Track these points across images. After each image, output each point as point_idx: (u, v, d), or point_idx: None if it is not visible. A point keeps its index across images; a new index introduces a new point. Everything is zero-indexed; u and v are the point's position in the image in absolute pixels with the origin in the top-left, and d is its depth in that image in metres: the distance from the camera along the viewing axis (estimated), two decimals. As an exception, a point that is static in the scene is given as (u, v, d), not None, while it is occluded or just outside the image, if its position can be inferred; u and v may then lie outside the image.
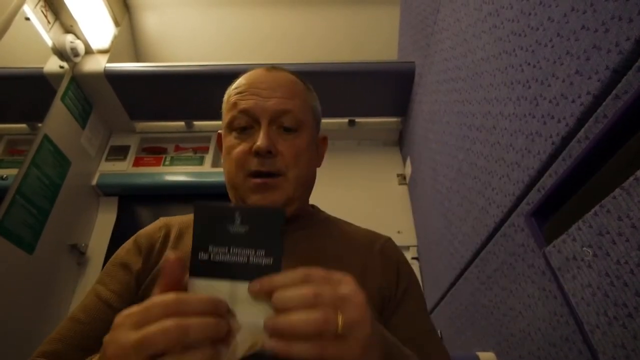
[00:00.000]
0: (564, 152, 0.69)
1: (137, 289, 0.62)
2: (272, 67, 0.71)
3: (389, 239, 0.73)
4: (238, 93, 0.66)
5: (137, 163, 2.04)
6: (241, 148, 0.64)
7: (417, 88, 1.78)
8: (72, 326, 0.59)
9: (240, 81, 0.69)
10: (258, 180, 0.63)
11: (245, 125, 0.65)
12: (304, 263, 0.62)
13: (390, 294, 0.65)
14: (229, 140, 0.66)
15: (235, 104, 0.65)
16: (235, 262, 0.38)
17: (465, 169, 1.15)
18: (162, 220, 0.71)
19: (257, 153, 0.62)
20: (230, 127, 0.66)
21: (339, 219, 0.77)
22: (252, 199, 0.63)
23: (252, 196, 0.63)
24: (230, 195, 0.69)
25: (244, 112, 0.64)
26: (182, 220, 0.70)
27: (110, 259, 0.67)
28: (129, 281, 0.62)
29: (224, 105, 0.70)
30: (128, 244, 0.67)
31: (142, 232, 0.68)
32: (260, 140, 0.61)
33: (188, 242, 0.65)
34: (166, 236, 0.66)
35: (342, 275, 0.40)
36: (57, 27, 1.70)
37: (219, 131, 0.73)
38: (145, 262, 0.63)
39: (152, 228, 0.69)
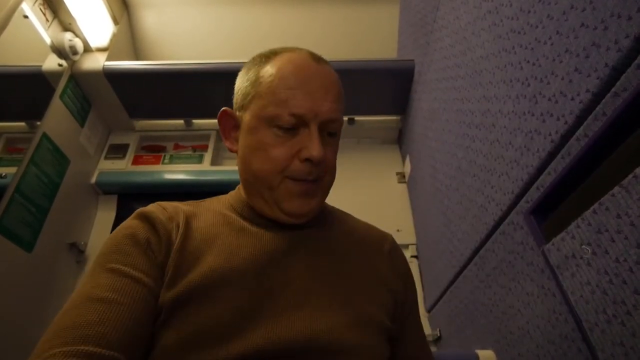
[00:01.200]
0: (563, 149, 0.69)
1: (161, 279, 0.56)
2: (316, 56, 0.64)
3: (393, 240, 0.75)
4: (288, 87, 0.59)
5: (136, 161, 2.04)
6: (285, 150, 0.59)
7: (417, 86, 1.78)
8: (111, 308, 0.49)
9: (284, 69, 0.61)
10: (304, 187, 0.60)
11: (291, 126, 0.59)
12: (315, 261, 0.63)
13: (398, 302, 0.67)
14: (266, 135, 0.60)
15: (285, 103, 0.58)
16: None
17: (464, 166, 1.15)
18: (166, 210, 0.63)
19: (309, 161, 0.59)
20: (270, 121, 0.59)
21: (342, 212, 0.77)
22: (292, 204, 0.61)
23: (292, 200, 0.61)
24: (255, 193, 0.63)
25: (296, 115, 0.58)
26: (182, 208, 0.64)
27: (123, 239, 0.57)
28: (155, 265, 0.56)
29: (256, 89, 0.61)
30: (143, 225, 0.59)
31: (154, 216, 0.60)
32: (316, 150, 0.58)
33: (194, 232, 0.60)
34: (177, 227, 0.60)
35: None
36: (55, 25, 1.69)
37: (225, 108, 0.66)
38: (165, 255, 0.57)
39: (164, 217, 0.61)
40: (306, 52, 0.64)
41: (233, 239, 0.61)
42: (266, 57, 0.64)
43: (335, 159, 0.65)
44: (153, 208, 0.63)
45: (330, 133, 0.63)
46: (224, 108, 0.67)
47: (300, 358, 0.54)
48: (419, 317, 0.73)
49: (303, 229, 0.65)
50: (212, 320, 0.53)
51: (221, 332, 0.53)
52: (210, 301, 0.54)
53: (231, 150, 0.67)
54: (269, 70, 0.61)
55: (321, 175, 0.62)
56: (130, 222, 0.61)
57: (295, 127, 0.59)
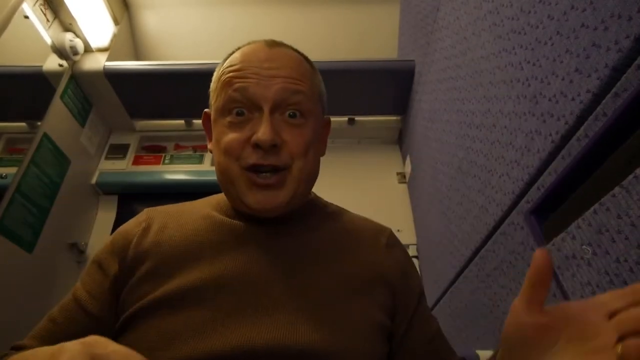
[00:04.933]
0: (563, 150, 0.69)
1: (115, 291, 0.57)
2: (273, 41, 0.60)
3: (391, 234, 0.69)
4: (234, 71, 0.56)
5: (136, 161, 2.04)
6: (235, 137, 0.55)
7: (417, 86, 1.78)
8: (47, 326, 0.56)
9: (235, 56, 0.59)
10: (260, 181, 0.55)
11: (242, 110, 0.55)
12: (311, 256, 0.59)
13: (400, 298, 0.62)
14: (221, 126, 0.57)
15: (229, 83, 0.56)
16: None
17: (465, 167, 1.15)
18: (145, 213, 0.64)
19: (258, 146, 0.54)
20: (222, 110, 0.57)
21: (337, 207, 0.72)
22: (251, 199, 0.56)
23: (251, 196, 0.56)
24: (224, 189, 0.61)
25: (242, 92, 0.55)
26: (167, 210, 0.64)
27: (92, 258, 0.62)
28: (103, 283, 0.57)
29: (214, 85, 0.60)
30: (106, 243, 0.62)
31: (121, 228, 0.63)
32: (263, 132, 0.53)
33: (172, 232, 0.59)
34: (146, 229, 0.60)
35: None
36: (56, 26, 1.69)
37: (206, 110, 0.64)
38: (121, 263, 0.58)
39: (133, 223, 0.63)
40: (263, 40, 0.60)
41: (215, 237, 0.59)
42: (228, 54, 0.63)
43: (306, 145, 0.57)
44: (133, 218, 0.64)
45: (291, 115, 0.57)
46: (205, 110, 0.65)
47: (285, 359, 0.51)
48: (427, 309, 0.66)
49: (287, 223, 0.61)
50: (190, 320, 0.52)
51: (199, 331, 0.51)
52: (188, 302, 0.53)
53: (210, 151, 0.64)
54: (223, 65, 0.60)
55: (286, 162, 0.56)
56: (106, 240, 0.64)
57: (247, 110, 0.56)
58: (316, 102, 0.61)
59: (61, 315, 0.57)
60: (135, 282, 0.56)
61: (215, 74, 0.62)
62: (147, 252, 0.58)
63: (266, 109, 0.55)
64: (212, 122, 0.62)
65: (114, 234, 0.63)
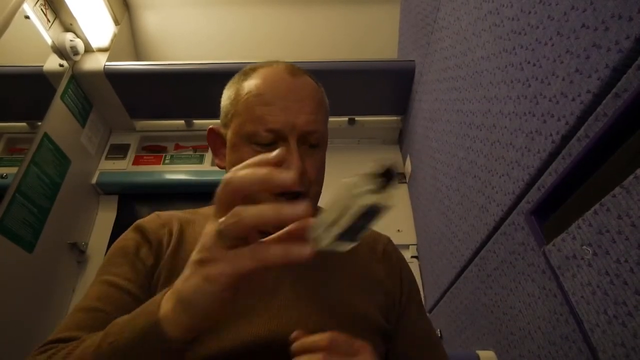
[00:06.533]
0: (564, 150, 0.69)
1: (149, 284, 0.59)
2: (293, 69, 0.64)
3: (389, 241, 0.75)
4: (263, 104, 0.60)
5: (137, 161, 2.04)
6: None
7: (417, 86, 1.78)
8: (92, 315, 0.54)
9: (258, 83, 0.62)
10: (287, 202, 0.61)
11: (269, 142, 0.60)
12: (315, 263, 0.63)
13: (394, 298, 0.68)
14: (246, 152, 0.60)
15: (261, 119, 0.59)
16: None
17: (465, 167, 1.15)
18: (160, 217, 0.67)
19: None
20: (248, 138, 0.60)
21: None
22: None
23: None
24: None
25: (272, 130, 0.59)
26: (178, 216, 0.68)
27: (115, 251, 0.63)
28: (142, 272, 0.59)
29: (232, 107, 0.64)
30: (134, 236, 0.64)
31: (146, 225, 0.65)
32: (295, 165, 0.57)
33: (189, 238, 0.64)
34: (169, 234, 0.64)
35: (361, 345, 0.48)
36: (56, 26, 1.70)
37: (212, 127, 0.68)
38: (156, 259, 0.61)
39: (155, 224, 0.65)
40: (283, 66, 0.64)
41: None
42: (244, 74, 0.65)
43: (319, 170, 0.64)
44: (147, 218, 0.67)
45: (311, 145, 0.62)
46: (210, 127, 0.69)
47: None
48: (421, 312, 0.71)
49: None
50: None
51: (215, 330, 0.55)
52: None
53: (219, 167, 0.68)
54: (245, 87, 0.63)
55: (307, 188, 0.61)
56: (124, 234, 0.65)
57: (274, 141, 0.59)
58: (327, 128, 0.66)
59: (107, 304, 0.55)
60: (164, 282, 0.59)
61: (231, 91, 0.65)
62: (168, 255, 0.61)
63: (293, 142, 0.59)
64: (229, 143, 0.64)
65: (140, 229, 0.64)
